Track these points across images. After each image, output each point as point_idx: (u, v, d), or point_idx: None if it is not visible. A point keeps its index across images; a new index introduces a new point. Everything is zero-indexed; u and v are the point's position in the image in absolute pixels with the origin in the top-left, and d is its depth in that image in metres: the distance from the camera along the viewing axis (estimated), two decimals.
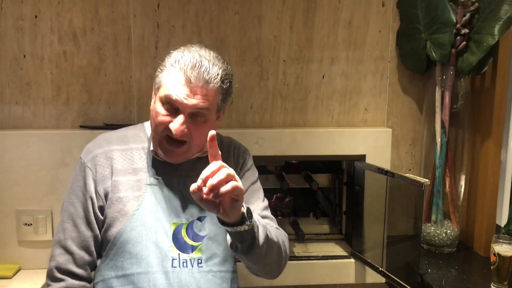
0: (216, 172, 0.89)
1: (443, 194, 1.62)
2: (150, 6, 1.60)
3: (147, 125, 1.24)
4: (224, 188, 0.89)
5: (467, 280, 1.45)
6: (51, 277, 1.15)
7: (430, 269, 1.50)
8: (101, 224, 1.17)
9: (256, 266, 1.13)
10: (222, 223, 1.00)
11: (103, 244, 1.16)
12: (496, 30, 1.45)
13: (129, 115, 1.65)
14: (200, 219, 1.18)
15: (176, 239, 1.14)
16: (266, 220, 1.20)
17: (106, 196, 1.16)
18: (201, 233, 1.16)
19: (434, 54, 1.56)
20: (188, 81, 1.06)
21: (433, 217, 1.63)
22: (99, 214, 1.16)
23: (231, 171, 0.91)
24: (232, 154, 1.27)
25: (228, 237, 1.06)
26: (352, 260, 1.69)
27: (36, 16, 1.57)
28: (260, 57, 1.67)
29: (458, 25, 1.51)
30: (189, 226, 1.16)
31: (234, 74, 1.64)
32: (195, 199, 0.92)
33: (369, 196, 1.64)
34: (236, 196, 0.92)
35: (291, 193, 1.98)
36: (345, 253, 1.73)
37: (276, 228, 1.22)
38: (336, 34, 1.68)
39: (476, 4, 1.50)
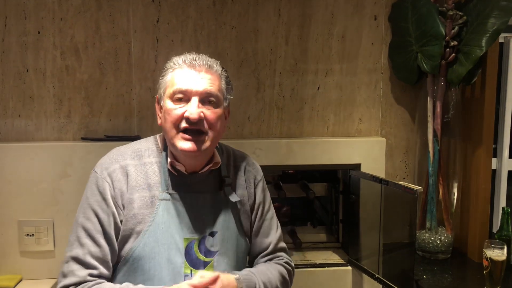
0: None
1: (436, 201, 1.66)
2: (149, 22, 1.65)
3: (160, 138, 1.21)
4: None
5: (461, 285, 1.48)
6: None
7: (425, 275, 1.52)
8: (118, 237, 1.12)
9: None
10: None
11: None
12: (483, 42, 1.50)
13: (129, 127, 1.68)
14: (212, 234, 1.15)
15: (189, 255, 1.12)
16: (279, 254, 1.26)
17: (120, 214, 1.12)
18: (213, 249, 1.15)
19: (425, 66, 1.61)
20: (193, 68, 1.10)
21: (428, 224, 1.66)
22: (120, 225, 1.11)
23: None
24: (244, 170, 1.26)
25: None
26: (349, 267, 1.72)
27: (39, 32, 1.62)
28: (256, 70, 1.72)
29: (447, 38, 1.56)
30: (201, 242, 1.14)
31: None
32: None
33: (364, 204, 1.67)
34: None
35: (288, 202, 2.01)
36: (342, 261, 1.76)
37: (285, 262, 1.25)
38: (330, 47, 1.74)
39: (464, 17, 1.56)
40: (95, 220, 1.10)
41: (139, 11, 1.64)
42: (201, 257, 1.13)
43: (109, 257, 1.10)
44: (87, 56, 1.64)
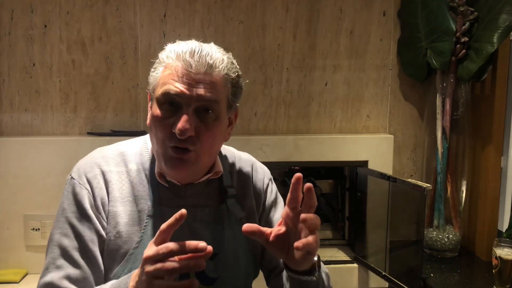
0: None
1: (444, 199, 1.64)
2: (156, 16, 1.64)
3: (150, 140, 0.98)
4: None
5: (469, 284, 1.46)
6: None
7: (433, 273, 1.51)
8: (103, 254, 0.93)
9: None
10: (288, 268, 0.87)
11: None
12: (495, 38, 1.48)
13: (135, 122, 1.68)
14: (212, 257, 0.93)
15: None
16: None
17: (103, 227, 0.93)
18: (212, 275, 0.95)
19: (434, 62, 1.59)
20: (188, 68, 0.86)
21: (435, 222, 1.65)
22: (105, 238, 0.92)
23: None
24: (251, 175, 1.07)
25: (285, 279, 0.93)
26: (356, 265, 1.71)
27: (45, 26, 1.61)
28: (264, 65, 1.70)
29: (457, 34, 1.54)
30: None
31: None
32: (261, 241, 0.81)
33: (371, 201, 1.66)
34: (312, 251, 0.79)
35: None
36: (348, 258, 1.75)
37: None
38: (338, 43, 1.72)
39: (475, 13, 1.54)
40: (73, 236, 0.90)
41: (146, 6, 1.63)
42: (200, 285, 0.91)
43: (92, 281, 0.90)
44: (93, 51, 1.63)
